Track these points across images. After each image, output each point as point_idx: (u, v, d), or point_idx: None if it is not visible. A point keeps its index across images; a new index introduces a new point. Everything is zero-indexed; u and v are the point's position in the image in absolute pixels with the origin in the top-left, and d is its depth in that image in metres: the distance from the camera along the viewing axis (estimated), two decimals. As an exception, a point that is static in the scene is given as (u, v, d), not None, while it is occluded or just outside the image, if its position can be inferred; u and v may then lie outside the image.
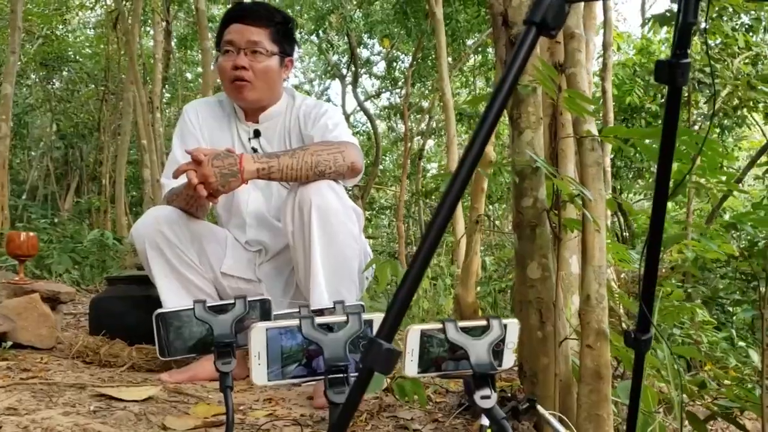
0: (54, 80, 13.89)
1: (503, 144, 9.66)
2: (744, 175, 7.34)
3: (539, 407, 1.29)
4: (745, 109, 7.15)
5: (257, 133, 2.09)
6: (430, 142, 15.15)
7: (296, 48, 2.17)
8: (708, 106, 7.23)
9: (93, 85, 12.79)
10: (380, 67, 14.62)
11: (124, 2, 7.71)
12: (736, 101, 6.72)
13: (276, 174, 1.77)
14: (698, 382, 1.83)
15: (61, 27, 12.98)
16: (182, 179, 1.98)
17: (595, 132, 1.32)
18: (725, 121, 7.72)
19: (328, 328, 0.93)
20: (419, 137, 12.49)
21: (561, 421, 1.29)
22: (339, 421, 0.64)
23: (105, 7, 11.06)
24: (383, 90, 13.40)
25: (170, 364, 2.08)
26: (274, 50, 2.02)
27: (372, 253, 2.12)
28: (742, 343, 3.42)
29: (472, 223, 4.61)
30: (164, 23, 11.15)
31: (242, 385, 1.94)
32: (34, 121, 14.58)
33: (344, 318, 0.93)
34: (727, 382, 2.10)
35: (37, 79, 13.47)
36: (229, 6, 12.42)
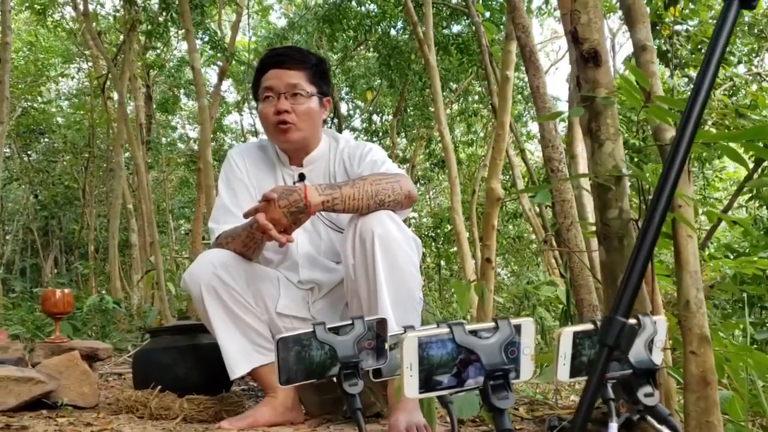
0: (31, 151, 13.76)
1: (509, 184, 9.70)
2: (732, 204, 7.49)
3: (649, 419, 1.26)
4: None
5: (302, 177, 2.08)
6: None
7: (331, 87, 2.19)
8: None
9: (72, 154, 12.71)
10: (357, 122, 14.82)
11: (115, 66, 7.74)
12: (716, 131, 6.91)
13: (339, 205, 1.76)
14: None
15: (39, 98, 12.97)
16: (233, 223, 1.96)
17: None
18: (704, 154, 7.90)
19: (476, 335, 0.90)
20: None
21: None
22: (585, 405, 0.61)
23: (91, 74, 11.10)
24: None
25: (221, 413, 2.01)
26: (312, 91, 2.03)
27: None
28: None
29: (485, 262, 4.60)
30: (145, 88, 11.22)
31: (304, 428, 1.88)
32: (8, 195, 14.37)
33: (493, 324, 0.91)
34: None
35: (13, 152, 13.35)
36: (214, 65, 12.54)
